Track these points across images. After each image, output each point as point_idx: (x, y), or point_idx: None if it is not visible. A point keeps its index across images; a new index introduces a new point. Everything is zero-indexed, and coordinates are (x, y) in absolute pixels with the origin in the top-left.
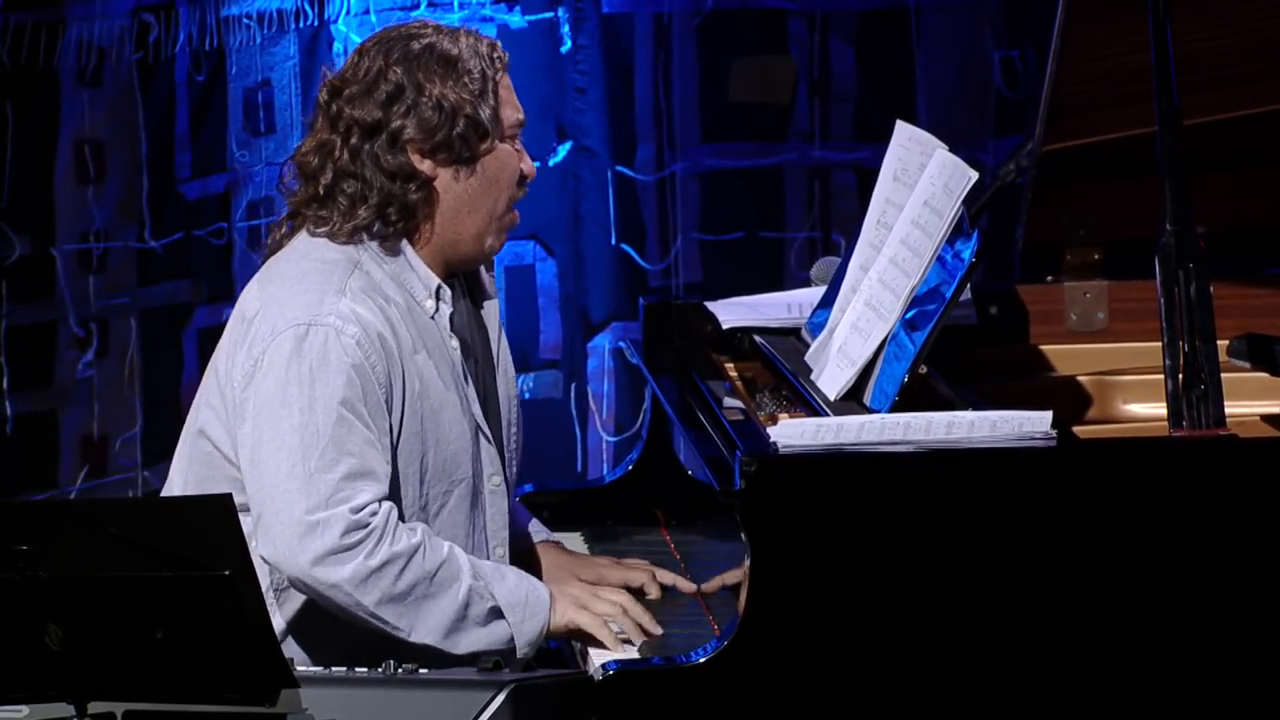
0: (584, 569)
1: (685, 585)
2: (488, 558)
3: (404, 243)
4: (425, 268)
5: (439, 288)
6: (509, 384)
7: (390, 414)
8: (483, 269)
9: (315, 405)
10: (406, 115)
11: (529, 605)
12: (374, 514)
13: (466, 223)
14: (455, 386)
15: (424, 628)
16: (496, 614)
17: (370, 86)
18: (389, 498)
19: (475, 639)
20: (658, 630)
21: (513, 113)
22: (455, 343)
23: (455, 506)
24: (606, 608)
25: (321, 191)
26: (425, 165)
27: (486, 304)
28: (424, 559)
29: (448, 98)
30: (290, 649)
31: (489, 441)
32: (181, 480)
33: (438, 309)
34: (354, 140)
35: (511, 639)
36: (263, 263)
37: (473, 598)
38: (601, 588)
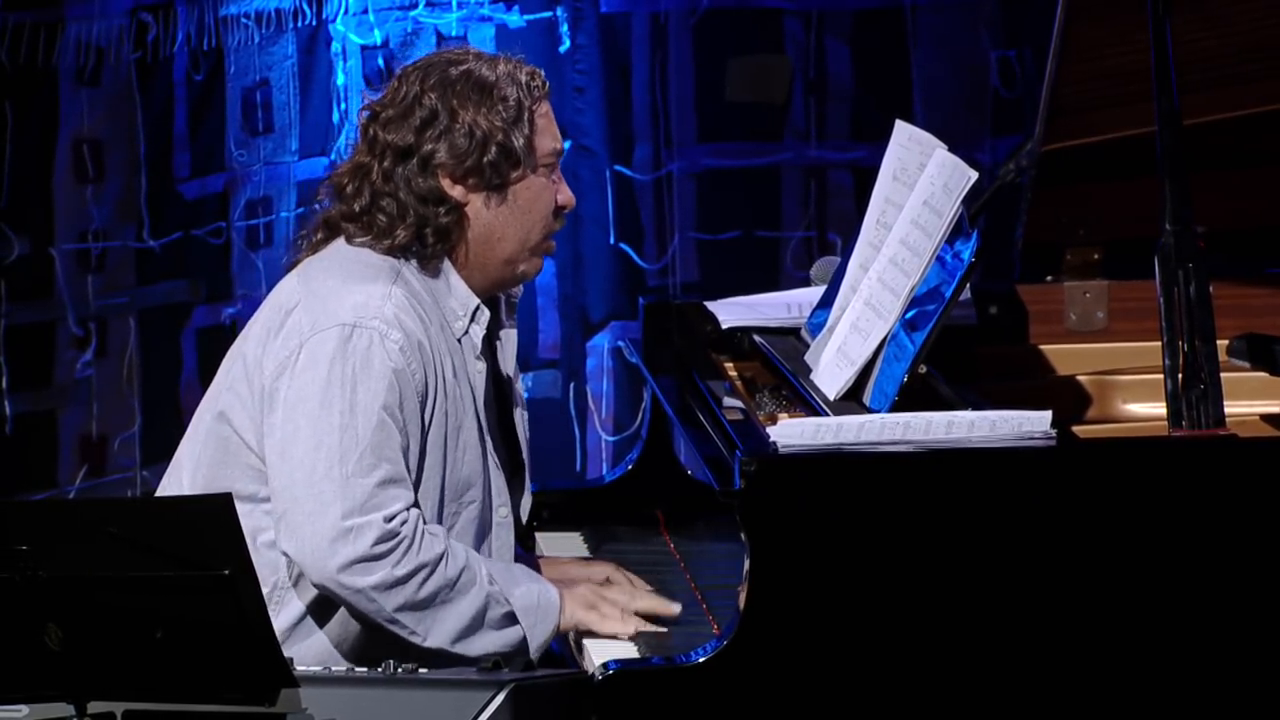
0: (549, 571)
1: (642, 585)
2: None
3: (445, 262)
4: (464, 287)
5: (477, 309)
6: (523, 419)
7: (422, 423)
8: (504, 300)
9: (356, 409)
10: (438, 140)
11: (540, 609)
12: (404, 523)
13: (497, 249)
14: (474, 409)
15: (440, 632)
16: (511, 619)
17: (406, 111)
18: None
19: (489, 642)
20: (674, 609)
21: (550, 142)
22: (482, 365)
23: (463, 530)
24: (611, 609)
25: (358, 209)
26: (456, 191)
27: (504, 334)
28: (446, 567)
29: (480, 124)
30: (295, 646)
31: (498, 469)
32: (193, 463)
33: (468, 330)
34: (387, 163)
35: (524, 641)
36: (288, 263)
37: (490, 604)
38: (608, 587)
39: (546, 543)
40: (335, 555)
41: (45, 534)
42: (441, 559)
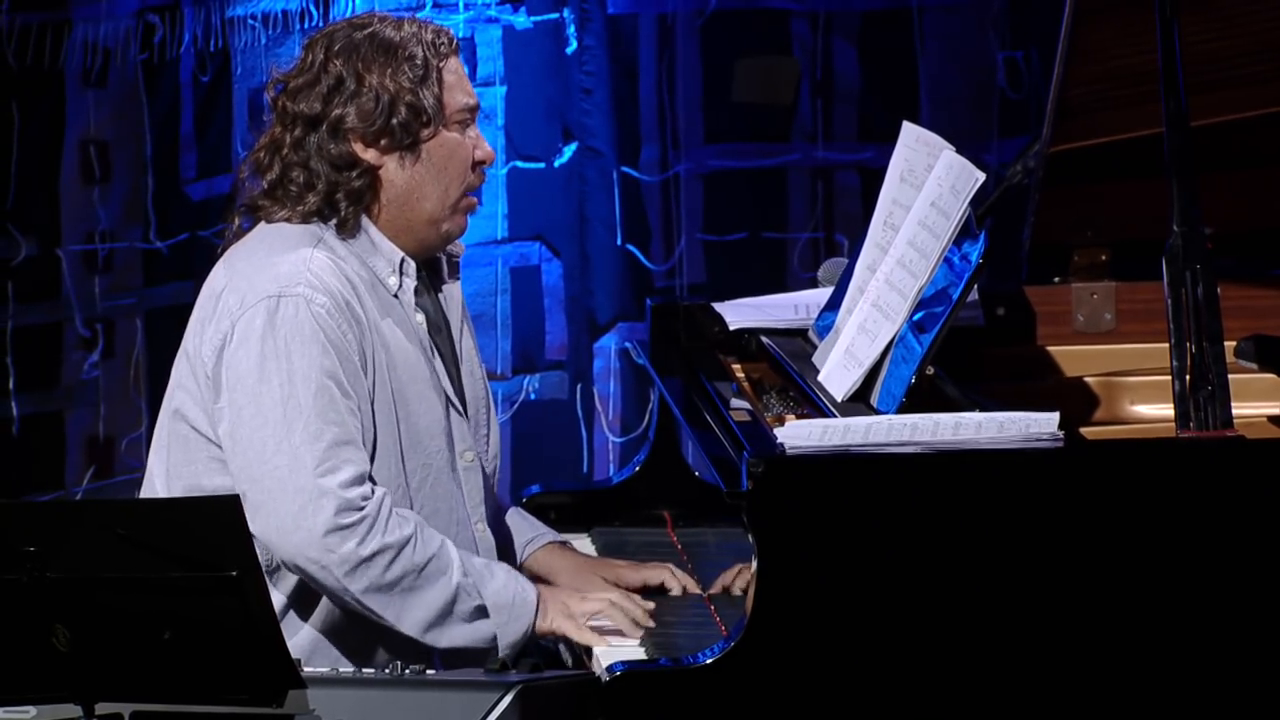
0: (603, 570)
1: (694, 589)
2: (470, 533)
3: (365, 220)
4: (388, 243)
5: (402, 261)
6: (475, 368)
7: (365, 382)
8: (445, 255)
9: (295, 378)
10: (347, 104)
11: (514, 608)
12: (366, 499)
13: (417, 209)
14: (423, 359)
15: (409, 619)
16: (482, 613)
17: (314, 80)
18: (373, 477)
19: (458, 635)
20: (650, 623)
21: (462, 98)
22: (420, 317)
23: (436, 481)
24: (594, 605)
25: (269, 184)
26: (369, 154)
27: (446, 288)
28: (414, 551)
29: (388, 86)
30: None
31: (460, 415)
32: (162, 469)
33: (401, 284)
34: (298, 132)
35: (494, 638)
36: (220, 252)
37: (460, 594)
38: (591, 588)
39: None
40: (299, 529)
41: (53, 535)
42: (409, 542)
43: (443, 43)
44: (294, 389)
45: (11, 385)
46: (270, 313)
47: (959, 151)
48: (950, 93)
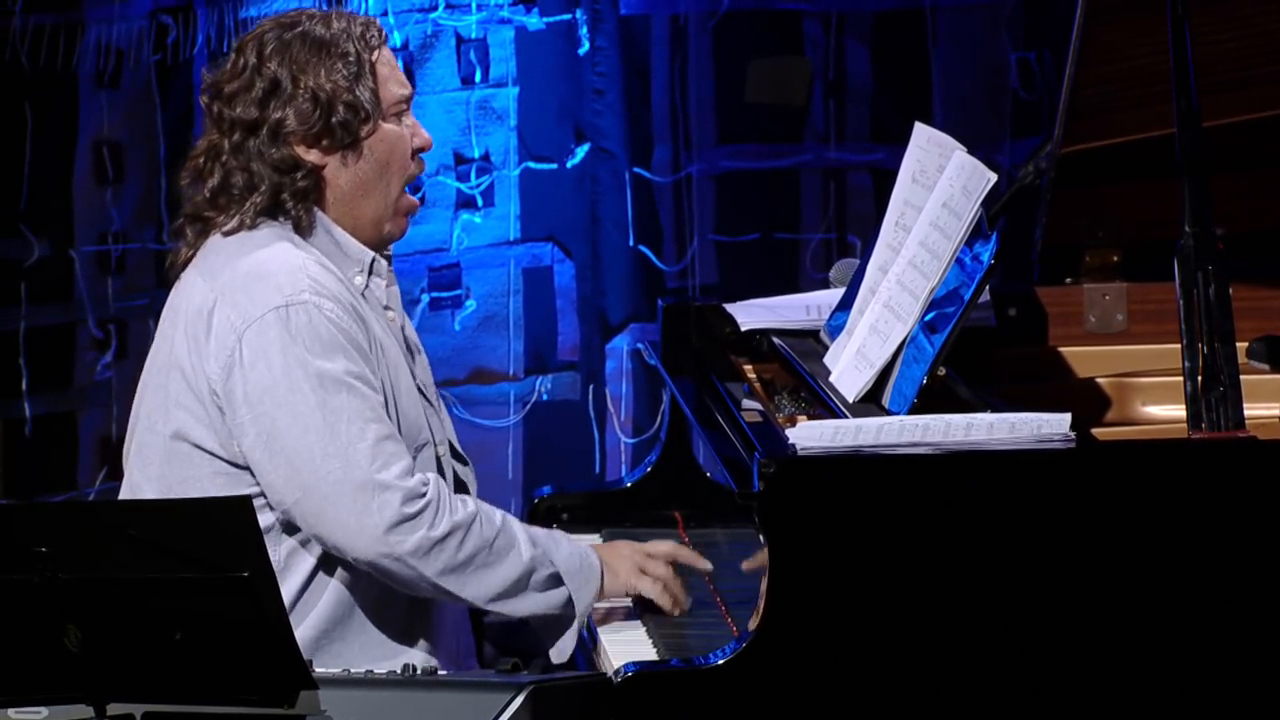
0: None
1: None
2: None
3: (327, 221)
4: (354, 242)
5: (373, 261)
6: (425, 370)
7: (379, 377)
8: (380, 259)
9: (325, 382)
10: (284, 108)
11: (583, 571)
12: (425, 485)
13: (363, 206)
14: (401, 355)
15: (486, 595)
16: (556, 580)
17: (248, 84)
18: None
19: (533, 603)
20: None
21: (396, 89)
22: (393, 314)
23: (424, 470)
24: (663, 548)
25: (210, 193)
26: (312, 155)
27: (388, 291)
28: (482, 528)
29: (324, 86)
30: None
31: (432, 410)
32: (155, 485)
33: (368, 283)
34: (237, 138)
35: (570, 602)
36: (172, 273)
37: (535, 565)
38: (652, 548)
39: None
40: (367, 528)
41: (65, 536)
42: (475, 519)
43: (372, 35)
44: (326, 394)
45: (24, 386)
46: (283, 322)
47: (971, 152)
48: (962, 93)
